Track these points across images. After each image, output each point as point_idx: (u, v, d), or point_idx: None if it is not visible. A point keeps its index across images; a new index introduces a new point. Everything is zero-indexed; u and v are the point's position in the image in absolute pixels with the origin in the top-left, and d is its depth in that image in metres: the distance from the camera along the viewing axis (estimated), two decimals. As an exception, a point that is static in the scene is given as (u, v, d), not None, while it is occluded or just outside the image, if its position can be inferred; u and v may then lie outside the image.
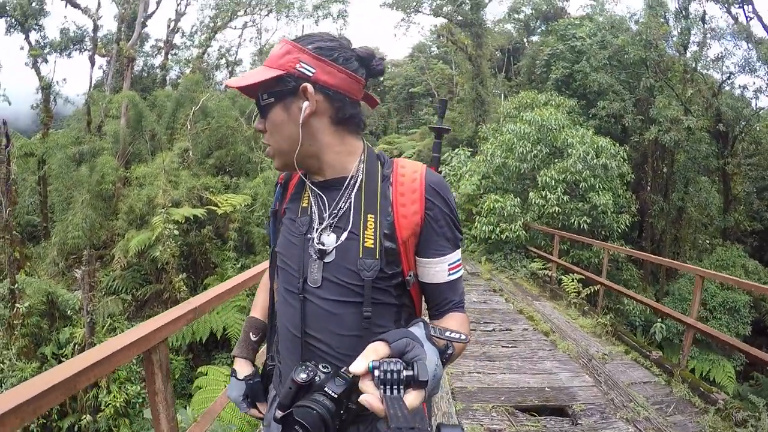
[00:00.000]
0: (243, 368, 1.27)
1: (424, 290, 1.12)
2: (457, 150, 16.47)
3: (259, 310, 1.36)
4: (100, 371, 1.22)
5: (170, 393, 1.48)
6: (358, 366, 0.75)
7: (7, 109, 13.71)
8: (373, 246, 1.02)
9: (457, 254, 1.09)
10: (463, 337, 0.88)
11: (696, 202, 14.23)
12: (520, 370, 4.86)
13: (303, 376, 0.90)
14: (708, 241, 14.83)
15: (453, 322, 1.10)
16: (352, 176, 1.08)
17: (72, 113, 21.02)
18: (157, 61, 23.90)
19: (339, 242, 1.04)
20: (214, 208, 10.72)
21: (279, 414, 0.90)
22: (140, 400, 6.69)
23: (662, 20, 15.09)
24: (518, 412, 3.96)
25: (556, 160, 12.66)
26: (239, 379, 1.25)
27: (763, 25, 13.85)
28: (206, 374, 5.69)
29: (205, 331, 8.73)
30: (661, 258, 9.01)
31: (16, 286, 7.79)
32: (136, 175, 12.04)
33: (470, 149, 16.53)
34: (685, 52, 14.96)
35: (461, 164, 15.38)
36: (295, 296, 1.08)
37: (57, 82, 19.66)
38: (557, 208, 11.80)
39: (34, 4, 18.81)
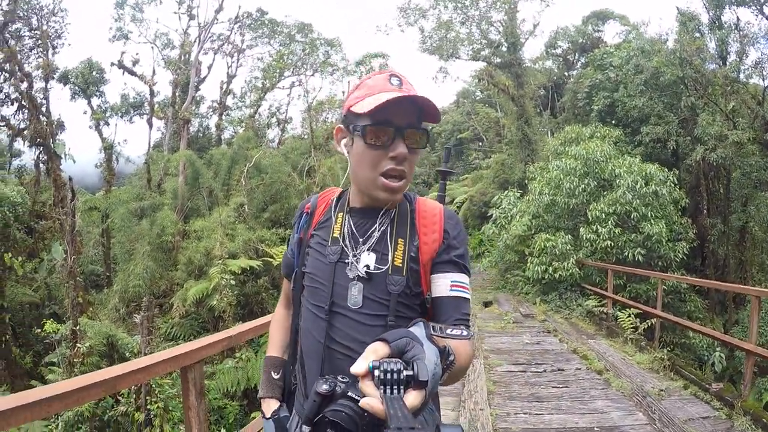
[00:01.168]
0: (270, 407, 1.33)
1: (432, 307, 1.23)
2: (506, 192, 16.21)
3: (275, 347, 1.44)
4: (137, 378, 1.40)
5: (203, 410, 1.63)
6: (358, 367, 0.76)
7: (72, 168, 15.07)
8: (401, 265, 1.18)
9: (462, 276, 1.22)
10: (465, 333, 0.92)
11: (758, 219, 13.24)
12: (569, 410, 4.68)
13: (325, 387, 0.93)
14: (778, 261, 13.75)
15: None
16: (392, 206, 1.25)
17: (133, 171, 22.67)
18: (212, 121, 25.61)
19: (387, 264, 1.18)
20: (270, 259, 11.08)
21: (306, 429, 0.92)
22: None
23: (696, 35, 14.58)
24: (565, 451, 3.83)
25: (605, 193, 12.32)
26: (267, 419, 1.31)
27: (799, 17, 13.17)
28: (260, 419, 5.76)
29: (260, 377, 8.87)
30: (714, 282, 8.49)
31: (78, 327, 8.25)
32: (195, 229, 12.75)
33: (520, 191, 16.22)
34: (724, 64, 14.29)
35: (511, 205, 15.14)
36: (328, 313, 1.19)
37: (118, 143, 21.73)
38: (609, 242, 11.41)
39: (94, 73, 20.94)
